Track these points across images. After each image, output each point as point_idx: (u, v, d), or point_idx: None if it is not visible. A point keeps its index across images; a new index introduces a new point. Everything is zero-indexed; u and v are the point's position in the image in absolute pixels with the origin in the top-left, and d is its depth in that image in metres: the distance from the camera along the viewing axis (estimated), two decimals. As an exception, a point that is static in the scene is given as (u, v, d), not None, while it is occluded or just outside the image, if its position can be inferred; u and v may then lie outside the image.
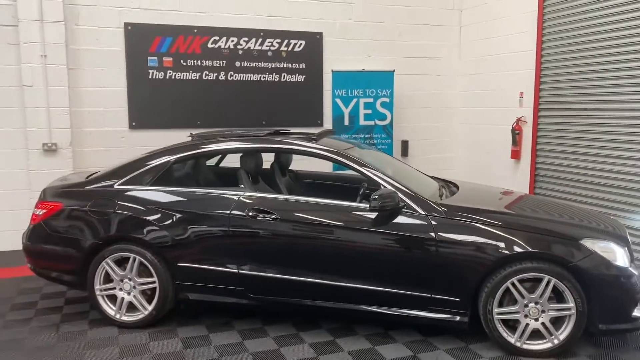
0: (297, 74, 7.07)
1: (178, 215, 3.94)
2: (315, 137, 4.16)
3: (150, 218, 3.95)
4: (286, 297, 3.88)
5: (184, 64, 6.62)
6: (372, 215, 3.72)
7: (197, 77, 6.68)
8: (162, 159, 4.17)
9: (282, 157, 4.87)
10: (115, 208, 4.01)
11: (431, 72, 7.74)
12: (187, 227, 3.91)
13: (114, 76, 6.40)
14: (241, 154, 4.27)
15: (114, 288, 4.06)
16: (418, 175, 4.61)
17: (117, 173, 4.21)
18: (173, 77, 6.60)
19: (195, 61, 6.66)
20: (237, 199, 3.93)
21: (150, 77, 6.51)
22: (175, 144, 4.35)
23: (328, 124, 7.23)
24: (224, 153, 4.55)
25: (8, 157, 6.10)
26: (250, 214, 3.85)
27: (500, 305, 3.56)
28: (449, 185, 4.57)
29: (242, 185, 4.12)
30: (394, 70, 7.24)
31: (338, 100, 7.17)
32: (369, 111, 7.25)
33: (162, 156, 4.19)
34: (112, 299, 4.09)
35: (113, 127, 6.46)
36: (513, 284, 3.52)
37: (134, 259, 3.99)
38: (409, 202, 3.73)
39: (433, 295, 3.65)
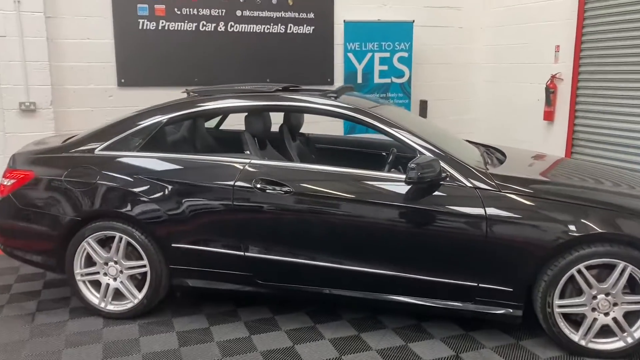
0: (304, 25, 6.30)
1: (171, 187, 3.28)
2: (333, 94, 3.46)
3: (138, 190, 3.30)
4: (302, 284, 3.26)
5: (179, 12, 5.85)
6: (407, 187, 3.06)
7: (194, 28, 5.92)
8: (152, 120, 3.49)
9: (293, 118, 4.19)
10: (97, 178, 3.36)
11: (453, 23, 6.96)
12: (182, 201, 3.26)
13: (99, 26, 5.64)
14: (246, 114, 3.58)
15: (97, 272, 3.44)
16: (455, 139, 3.93)
17: (99, 136, 3.54)
18: (166, 28, 5.84)
19: (191, 10, 5.89)
20: (242, 167, 3.26)
21: (140, 27, 5.75)
22: (168, 101, 3.66)
23: (339, 82, 6.50)
24: (225, 113, 3.88)
25: (-19, 118, 5.40)
26: (259, 185, 3.19)
27: (563, 296, 2.95)
28: (492, 152, 3.90)
29: (248, 152, 3.45)
30: (413, 21, 6.47)
31: (350, 55, 6.42)
32: (385, 67, 6.52)
33: (152, 116, 3.51)
34: (96, 285, 3.47)
35: (100, 85, 5.74)
36: (579, 272, 2.89)
37: (120, 239, 3.36)
38: (453, 171, 3.08)
39: (481, 285, 3.02)
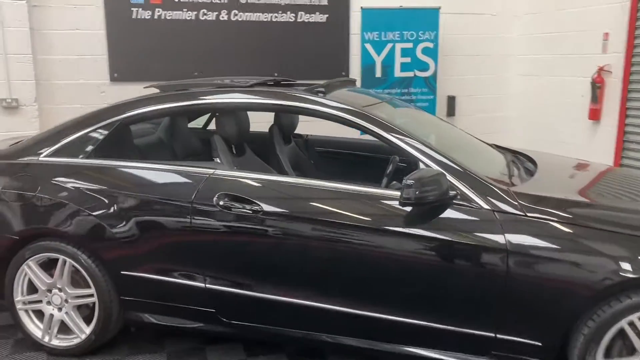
0: (317, 13, 5.67)
1: (121, 202, 2.72)
2: (321, 89, 2.82)
3: (84, 204, 2.75)
4: (276, 325, 2.64)
5: (176, 0, 5.30)
6: (406, 208, 2.40)
7: (193, 17, 5.37)
8: (106, 120, 2.92)
9: (284, 118, 3.57)
10: (37, 190, 2.82)
11: (484, 10, 6.18)
12: (133, 219, 2.69)
13: (89, 15, 5.15)
14: (216, 113, 2.99)
15: (40, 301, 2.91)
16: (475, 144, 3.25)
17: (48, 139, 3.01)
18: (163, 17, 5.30)
19: (190, -4, 5.34)
20: (203, 179, 2.66)
21: (134, 16, 5.24)
22: (127, 99, 3.10)
23: (355, 76, 5.83)
24: (187, 112, 3.27)
25: (-39, 116, 4.99)
26: (221, 202, 2.59)
27: (608, 355, 2.24)
28: (520, 159, 3.18)
29: (217, 159, 2.85)
30: (439, 8, 5.75)
31: (368, 46, 5.75)
32: (408, 59, 5.82)
33: (105, 116, 2.95)
34: (40, 315, 2.94)
35: (90, 79, 5.26)
36: (632, 324, 2.18)
37: (64, 262, 2.82)
38: (465, 189, 2.40)
39: (499, 335, 2.34)
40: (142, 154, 3.28)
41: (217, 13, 5.42)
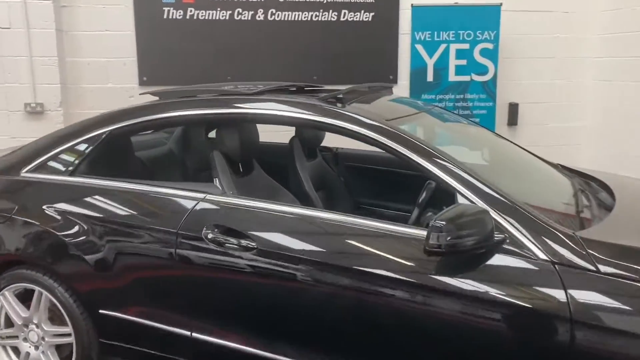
0: (362, 11, 5.15)
1: (100, 228, 2.31)
2: (340, 97, 2.31)
3: (61, 230, 2.36)
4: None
5: (210, -2, 4.94)
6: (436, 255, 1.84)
7: (227, 17, 4.99)
8: (93, 132, 2.53)
9: (307, 130, 3.08)
10: (13, 211, 2.46)
11: (555, 6, 5.45)
12: (112, 248, 2.28)
13: (119, 16, 4.87)
14: (217, 126, 2.54)
15: (17, 336, 2.55)
16: (535, 166, 2.64)
17: (33, 151, 2.66)
18: (195, 17, 4.95)
19: (225, -5, 4.96)
20: (192, 205, 2.21)
21: (165, 16, 4.91)
22: (120, 108, 2.71)
23: (404, 80, 5.28)
24: (178, 124, 2.84)
25: (-13, 121, 4.81)
26: (210, 235, 2.13)
27: None
28: (592, 187, 2.54)
29: (216, 179, 2.39)
30: (500, 4, 5.10)
31: (419, 47, 5.18)
32: (463, 62, 5.20)
33: (92, 127, 2.56)
34: (17, 352, 2.59)
35: (119, 83, 4.97)
36: None
37: (40, 295, 2.44)
38: (516, 231, 1.82)
39: None
40: (146, 168, 2.89)
41: (253, 12, 5.01)
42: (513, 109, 5.53)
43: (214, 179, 2.39)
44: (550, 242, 1.78)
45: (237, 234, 2.08)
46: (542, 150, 5.34)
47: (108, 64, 4.93)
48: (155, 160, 3.04)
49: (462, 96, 5.26)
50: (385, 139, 2.06)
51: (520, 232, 1.81)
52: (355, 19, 5.14)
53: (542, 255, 1.77)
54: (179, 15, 4.92)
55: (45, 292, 2.42)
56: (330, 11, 5.10)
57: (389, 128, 2.10)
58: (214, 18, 4.97)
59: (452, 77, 5.23)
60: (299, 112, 2.25)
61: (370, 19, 5.16)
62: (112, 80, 4.96)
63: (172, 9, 4.91)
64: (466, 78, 5.22)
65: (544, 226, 1.82)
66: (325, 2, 5.08)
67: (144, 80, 4.98)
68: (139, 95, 2.90)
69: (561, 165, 2.87)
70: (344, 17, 5.13)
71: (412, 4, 5.11)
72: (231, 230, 2.10)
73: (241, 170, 2.59)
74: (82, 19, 4.82)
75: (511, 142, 3.01)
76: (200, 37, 4.97)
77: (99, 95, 4.94)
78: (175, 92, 2.63)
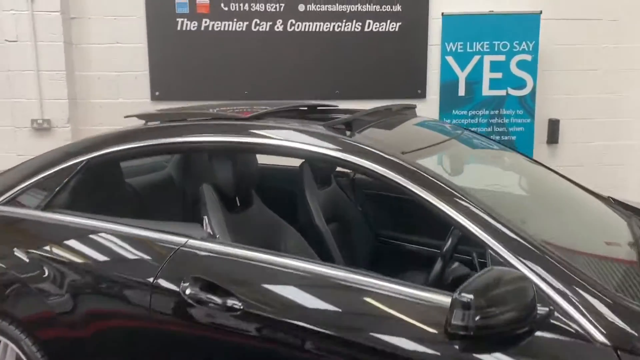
0: (389, 21, 4.79)
1: (71, 275, 2.00)
2: (350, 122, 1.95)
3: (28, 275, 2.06)
4: None
5: (226, 9, 4.66)
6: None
7: (244, 28, 4.70)
8: (69, 162, 2.23)
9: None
10: (-21, 250, 2.18)
11: (601, 14, 4.98)
12: (82, 299, 1.96)
13: (130, 27, 4.64)
14: (208, 154, 2.21)
15: (-18, 391, 2.26)
16: (581, 201, 2.22)
17: (3, 183, 2.38)
18: (210, 29, 4.67)
19: (241, 5, 4.67)
20: (171, 252, 1.88)
21: (179, 28, 4.65)
22: (102, 134, 2.41)
23: (433, 94, 4.89)
24: (163, 152, 2.52)
25: (-7, 137, 4.62)
26: (188, 291, 1.78)
27: None
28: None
29: (206, 218, 2.05)
30: (540, 12, 4.67)
31: (450, 59, 4.78)
32: (499, 75, 4.78)
33: (71, 156, 2.26)
34: (-16, 407, 2.29)
35: (130, 98, 4.73)
36: None
37: (5, 347, 2.14)
38: (565, 302, 1.42)
39: None
40: (137, 199, 2.58)
41: (271, 23, 4.71)
42: (553, 125, 5.06)
43: (203, 218, 2.05)
44: (610, 318, 1.38)
45: (221, 290, 1.73)
46: (585, 170, 4.91)
47: (119, 78, 4.70)
48: (151, 187, 2.73)
49: (497, 112, 4.84)
50: (399, 177, 1.69)
51: (570, 302, 1.41)
52: (380, 30, 4.78)
53: (599, 337, 1.36)
54: (193, 27, 4.66)
55: (10, 344, 2.12)
56: (354, 21, 4.76)
57: (404, 163, 1.73)
58: (230, 29, 4.68)
59: (486, 91, 4.81)
60: (296, 142, 1.90)
61: (397, 30, 4.79)
62: (123, 95, 4.72)
63: (185, 19, 4.65)
64: (501, 92, 4.80)
65: (602, 296, 1.42)
66: (348, 11, 4.74)
67: (156, 95, 4.73)
68: (124, 119, 2.56)
69: (612, 199, 2.44)
70: (368, 28, 4.77)
71: (442, 13, 4.73)
72: (213, 286, 1.75)
73: (237, 204, 2.25)
74: (92, 31, 4.60)
75: (552, 170, 2.59)
76: (216, 49, 4.69)
77: (109, 111, 4.70)
78: (161, 116, 2.31)
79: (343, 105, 4.70)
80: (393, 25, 4.78)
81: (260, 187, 2.40)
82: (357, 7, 4.74)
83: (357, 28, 4.76)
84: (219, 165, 2.14)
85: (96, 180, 2.29)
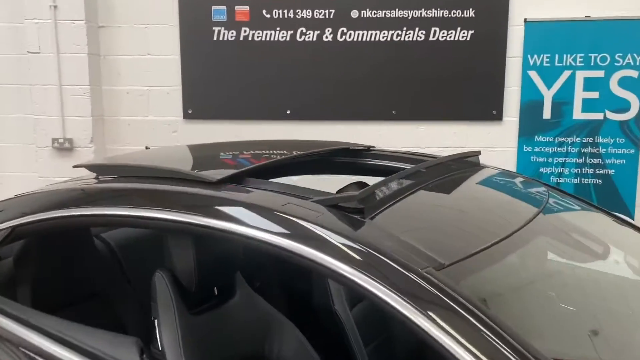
0: (459, 28, 4.01)
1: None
2: (367, 197, 1.25)
3: None
4: None
5: (268, 16, 4.06)
6: None
7: (288, 38, 4.08)
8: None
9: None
10: None
11: None
12: None
13: (162, 37, 4.15)
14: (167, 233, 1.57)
15: None
16: None
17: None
18: (250, 39, 4.10)
19: (285, 12, 4.06)
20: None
21: (215, 38, 4.11)
22: (34, 191, 1.84)
23: (512, 117, 4.06)
24: (104, 224, 1.89)
25: (15, 155, 4.27)
26: None
27: None
28: None
29: (156, 323, 1.42)
30: (651, 17, 3.74)
31: (533, 74, 3.95)
32: (595, 94, 3.90)
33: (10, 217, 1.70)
34: None
35: (161, 116, 4.24)
36: None
37: None
38: None
39: None
40: (112, 258, 2.01)
41: (319, 32, 4.06)
42: (664, 157, 4.08)
43: (153, 319, 1.43)
44: None
45: None
46: None
47: (149, 93, 4.22)
48: (135, 244, 2.15)
49: (591, 140, 3.95)
50: (425, 323, 0.98)
51: None
52: (449, 39, 4.01)
53: None
54: (231, 37, 4.09)
55: None
56: (417, 29, 4.02)
57: (435, 291, 1.02)
58: (272, 39, 4.08)
59: (578, 114, 3.93)
60: (263, 232, 1.22)
61: (468, 39, 4.00)
62: (154, 112, 4.24)
63: (223, 29, 4.09)
64: (598, 116, 3.91)
65: None
66: (410, 17, 4.01)
67: (189, 114, 4.21)
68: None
69: None
70: (434, 37, 4.02)
71: (525, 19, 3.90)
72: None
73: (208, 297, 1.60)
74: (121, 41, 4.14)
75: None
76: (255, 62, 4.11)
77: (137, 130, 4.24)
78: (115, 169, 1.71)
79: (398, 128, 4.05)
80: (464, 33, 4.00)
81: (252, 263, 1.75)
82: (421, 13, 4.00)
83: (421, 37, 4.02)
84: (177, 244, 1.51)
85: (41, 251, 1.72)
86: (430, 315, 0.99)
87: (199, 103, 4.19)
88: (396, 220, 1.27)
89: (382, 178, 1.39)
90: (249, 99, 4.14)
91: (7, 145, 4.27)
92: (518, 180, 1.85)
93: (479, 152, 1.90)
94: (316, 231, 1.20)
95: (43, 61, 3.97)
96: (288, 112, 4.15)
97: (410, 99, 4.09)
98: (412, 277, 1.05)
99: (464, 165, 1.79)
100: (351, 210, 1.24)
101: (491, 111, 4.08)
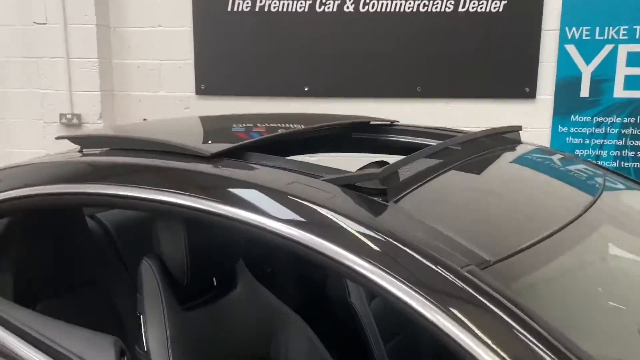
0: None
1: None
2: (389, 176, 1.02)
3: None
4: None
5: (286, -16, 3.82)
6: None
7: (307, 9, 3.83)
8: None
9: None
10: None
11: None
12: None
13: (174, 7, 3.93)
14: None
15: None
16: None
17: None
18: (267, 9, 3.86)
19: (305, -21, 3.80)
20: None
21: (230, 8, 3.88)
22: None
23: (546, 95, 3.78)
24: (81, 204, 1.68)
25: (22, 131, 4.13)
26: None
27: None
28: None
29: (142, 319, 1.22)
30: None
31: (571, 49, 3.65)
32: (639, 71, 3.58)
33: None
34: None
35: (173, 91, 4.05)
36: None
37: None
38: None
39: None
40: (107, 240, 1.82)
41: (339, 2, 3.80)
42: None
43: (139, 315, 1.23)
44: None
45: None
46: None
47: (161, 67, 4.02)
48: (134, 225, 1.96)
49: (633, 120, 3.65)
50: (458, 332, 0.76)
51: None
52: (479, 10, 3.72)
53: None
54: (246, 7, 3.86)
55: None
56: (445, 0, 3.73)
57: (474, 293, 0.79)
58: (290, 10, 3.84)
59: (620, 92, 3.63)
60: (262, 216, 1.00)
61: (500, 10, 3.71)
62: (165, 87, 4.04)
63: (238, -2, 3.86)
64: (641, 94, 3.60)
65: None
66: (438, -14, 3.72)
67: (202, 89, 4.00)
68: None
69: None
70: (463, 7, 3.73)
71: (563, -12, 3.59)
72: None
73: (205, 290, 1.40)
74: (131, 12, 3.94)
75: None
76: (272, 34, 3.87)
77: (148, 105, 4.05)
78: (100, 142, 1.51)
79: (422, 106, 3.79)
80: (496, 4, 3.70)
81: (257, 250, 1.54)
82: (450, -19, 3.70)
83: (449, 8, 3.74)
84: (165, 228, 1.30)
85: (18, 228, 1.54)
86: (471, 329, 0.76)
87: (212, 78, 3.98)
88: (427, 205, 1.04)
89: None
90: (265, 75, 3.92)
91: (14, 121, 4.13)
92: (569, 160, 1.60)
93: (519, 127, 1.65)
94: (327, 216, 0.98)
95: (50, 32, 3.79)
96: (306, 88, 3.92)
97: (437, 74, 3.82)
98: (449, 277, 0.83)
99: (503, 142, 1.55)
100: (371, 192, 1.01)
101: (524, 88, 3.79)
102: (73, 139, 1.59)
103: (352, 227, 0.96)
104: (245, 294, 1.45)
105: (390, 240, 0.91)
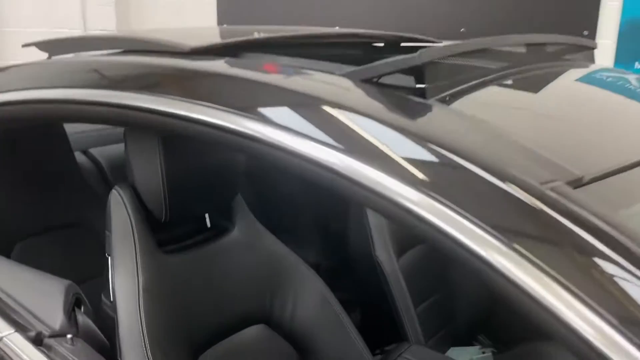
0: None
1: None
2: (417, 69, 0.70)
3: None
4: None
5: None
6: None
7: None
8: None
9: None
10: None
11: None
12: None
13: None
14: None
15: None
16: None
17: None
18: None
19: None
20: None
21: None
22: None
23: (608, 39, 3.38)
24: (32, 119, 1.39)
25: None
26: None
27: None
28: None
29: (110, 272, 0.96)
30: None
31: (639, -13, 3.23)
32: None
33: None
34: None
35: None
36: None
37: None
38: None
39: None
40: (99, 175, 1.58)
41: None
42: None
43: (107, 256, 0.97)
44: None
45: None
46: None
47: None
48: (111, 165, 1.70)
49: None
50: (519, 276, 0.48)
51: None
52: (535, -61, 3.30)
53: None
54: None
55: None
56: None
57: (563, 220, 0.50)
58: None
59: (693, 36, 3.20)
60: (250, 120, 0.70)
61: (560, -61, 3.28)
62: (188, 22, 3.77)
63: None
64: None
65: None
66: None
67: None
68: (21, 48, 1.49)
69: None
70: (515, -63, 3.31)
71: None
72: None
73: (202, 229, 1.13)
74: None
75: None
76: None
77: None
78: (69, 45, 1.23)
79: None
80: None
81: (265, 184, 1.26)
82: None
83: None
84: (137, 145, 1.02)
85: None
86: (553, 273, 0.47)
87: (234, 14, 3.71)
88: (485, 107, 0.73)
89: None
90: (292, 7, 3.63)
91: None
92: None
93: (595, 45, 1.31)
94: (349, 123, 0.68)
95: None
96: (337, 27, 3.58)
97: (483, 14, 3.44)
98: (529, 199, 0.52)
99: (574, 56, 1.22)
100: (404, 89, 0.71)
101: (581, 31, 3.38)
102: (40, 45, 1.32)
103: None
104: (244, 237, 1.16)
105: (441, 150, 0.60)
